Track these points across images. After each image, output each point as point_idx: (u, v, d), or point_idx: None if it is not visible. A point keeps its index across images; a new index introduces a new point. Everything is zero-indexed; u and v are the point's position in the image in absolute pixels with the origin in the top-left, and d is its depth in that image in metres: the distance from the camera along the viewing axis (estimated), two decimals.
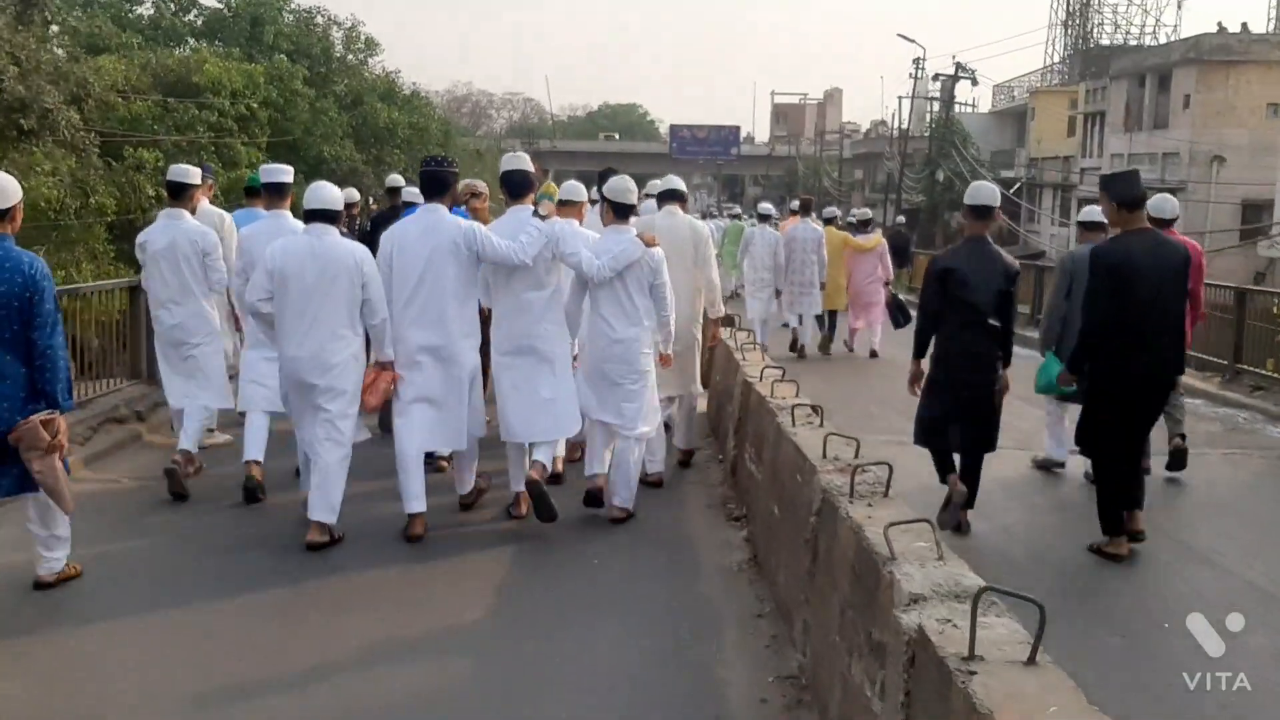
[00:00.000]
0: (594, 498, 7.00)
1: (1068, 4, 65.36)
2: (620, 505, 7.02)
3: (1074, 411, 7.34)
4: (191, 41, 34.27)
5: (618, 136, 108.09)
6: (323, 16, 35.38)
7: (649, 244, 6.86)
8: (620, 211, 7.06)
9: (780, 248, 14.68)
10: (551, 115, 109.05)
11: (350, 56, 35.75)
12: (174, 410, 8.07)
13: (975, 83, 42.47)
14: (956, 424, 6.85)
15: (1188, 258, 6.65)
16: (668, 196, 8.47)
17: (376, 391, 6.50)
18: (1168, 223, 7.98)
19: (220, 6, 35.58)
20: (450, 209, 6.78)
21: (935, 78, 42.20)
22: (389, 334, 6.48)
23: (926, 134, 68.72)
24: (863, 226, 16.49)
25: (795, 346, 15.20)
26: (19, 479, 5.39)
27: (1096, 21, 61.81)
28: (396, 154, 33.19)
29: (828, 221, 15.90)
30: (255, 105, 29.36)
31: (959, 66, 40.84)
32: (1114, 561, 6.61)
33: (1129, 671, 5.23)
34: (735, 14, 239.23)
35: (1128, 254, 6.34)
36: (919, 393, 7.12)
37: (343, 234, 6.69)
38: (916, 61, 41.54)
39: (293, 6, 35.74)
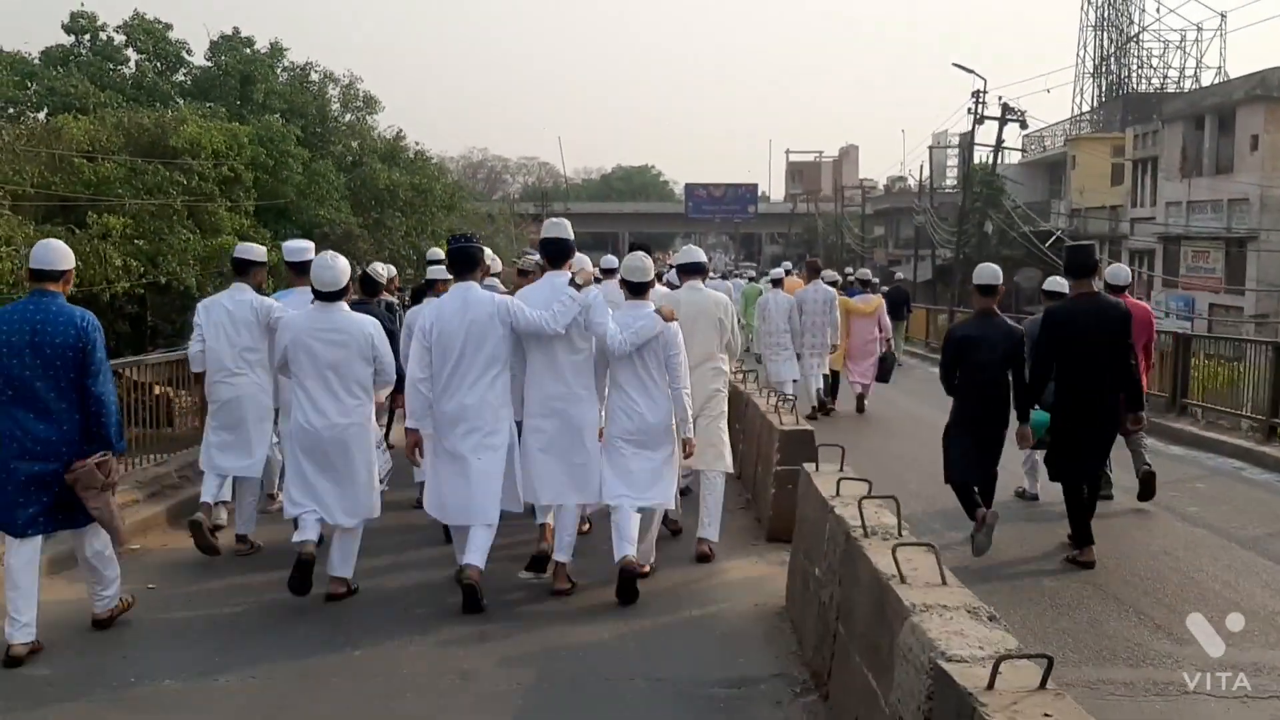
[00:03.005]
0: (628, 583, 6.80)
1: (1100, 50, 62.74)
2: (632, 556, 6.83)
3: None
4: (180, 102, 31.69)
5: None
6: (318, 73, 32.88)
7: (668, 318, 6.94)
8: (636, 290, 7.14)
9: (795, 311, 14.89)
10: (566, 178, 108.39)
11: (349, 115, 33.13)
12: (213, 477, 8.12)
13: (1025, 125, 39.05)
14: (973, 463, 7.91)
15: (1127, 317, 7.83)
16: (689, 270, 8.49)
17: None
18: (1121, 288, 9.49)
19: (210, 65, 33.12)
20: (481, 282, 7.03)
21: (980, 120, 38.83)
22: (412, 404, 6.77)
23: (954, 184, 66.57)
24: (863, 287, 16.89)
25: (822, 409, 15.33)
26: (76, 514, 5.87)
27: (1134, 66, 59.06)
28: (398, 217, 30.74)
29: (830, 284, 16.00)
30: (240, 167, 26.87)
31: (1006, 108, 37.54)
32: (1086, 568, 7.73)
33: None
34: (746, 74, 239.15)
35: (1073, 314, 7.73)
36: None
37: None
38: (976, 95, 38.30)
39: (286, 64, 33.22)
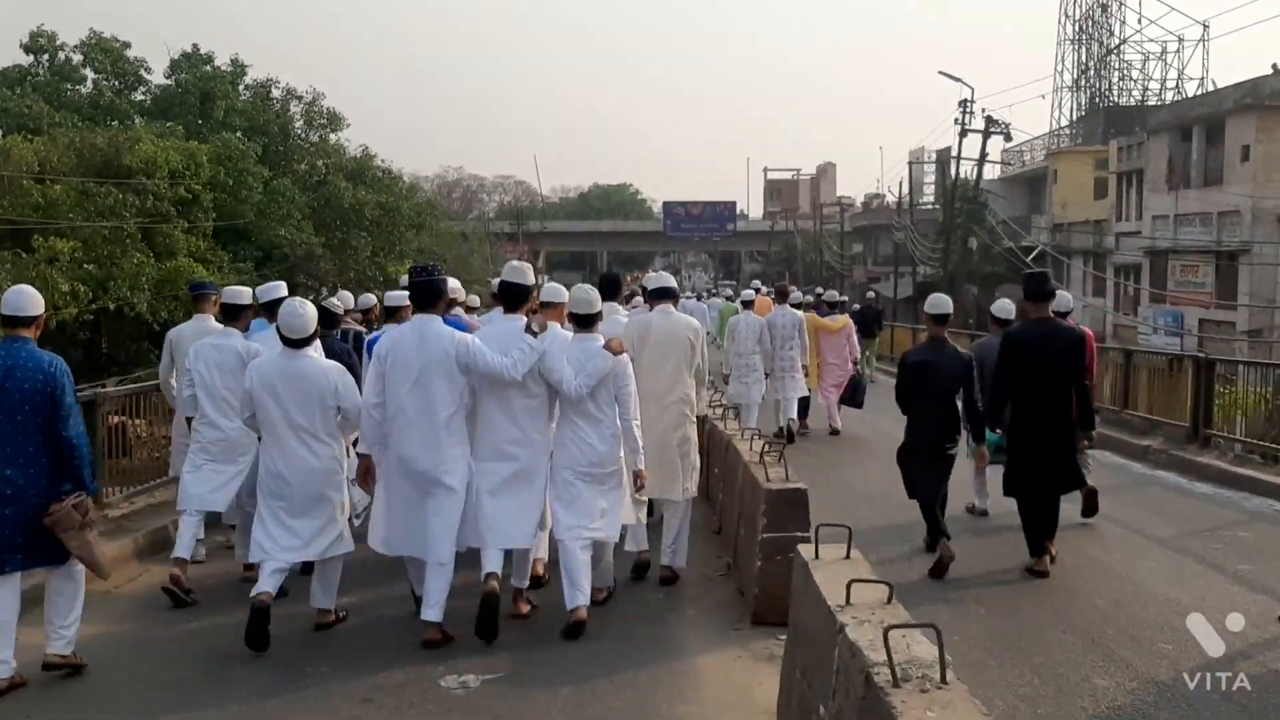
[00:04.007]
0: (575, 629, 6.65)
1: (1079, 63, 62.00)
2: (583, 603, 6.73)
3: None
4: (138, 121, 30.48)
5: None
6: (280, 90, 31.62)
7: (617, 351, 6.96)
8: (584, 323, 7.14)
9: (765, 333, 14.95)
10: (542, 197, 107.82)
11: (313, 133, 31.92)
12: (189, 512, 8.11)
13: (1009, 138, 38.13)
14: (928, 479, 8.41)
15: (1081, 340, 8.41)
16: (660, 295, 8.48)
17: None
18: (1064, 314, 9.62)
19: (169, 83, 31.88)
20: (443, 316, 6.96)
21: (964, 132, 37.80)
22: (367, 435, 6.76)
23: (932, 201, 65.75)
24: (830, 308, 17.21)
25: (789, 436, 14.95)
26: (52, 551, 6.00)
27: (1114, 79, 58.30)
28: (363, 237, 29.54)
29: (795, 306, 16.22)
30: (198, 187, 25.67)
31: (990, 121, 36.53)
32: (1040, 576, 8.07)
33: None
34: (724, 92, 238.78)
35: (1031, 338, 8.24)
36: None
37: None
38: (964, 104, 37.25)
39: (248, 81, 31.99)
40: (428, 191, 70.24)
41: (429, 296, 6.77)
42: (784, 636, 5.91)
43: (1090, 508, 9.67)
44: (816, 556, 4.79)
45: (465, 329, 7.86)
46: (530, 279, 7.17)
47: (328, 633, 6.88)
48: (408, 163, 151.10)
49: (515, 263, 7.40)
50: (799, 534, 6.43)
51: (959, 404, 8.46)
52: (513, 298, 7.12)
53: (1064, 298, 10.33)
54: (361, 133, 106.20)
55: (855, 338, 16.87)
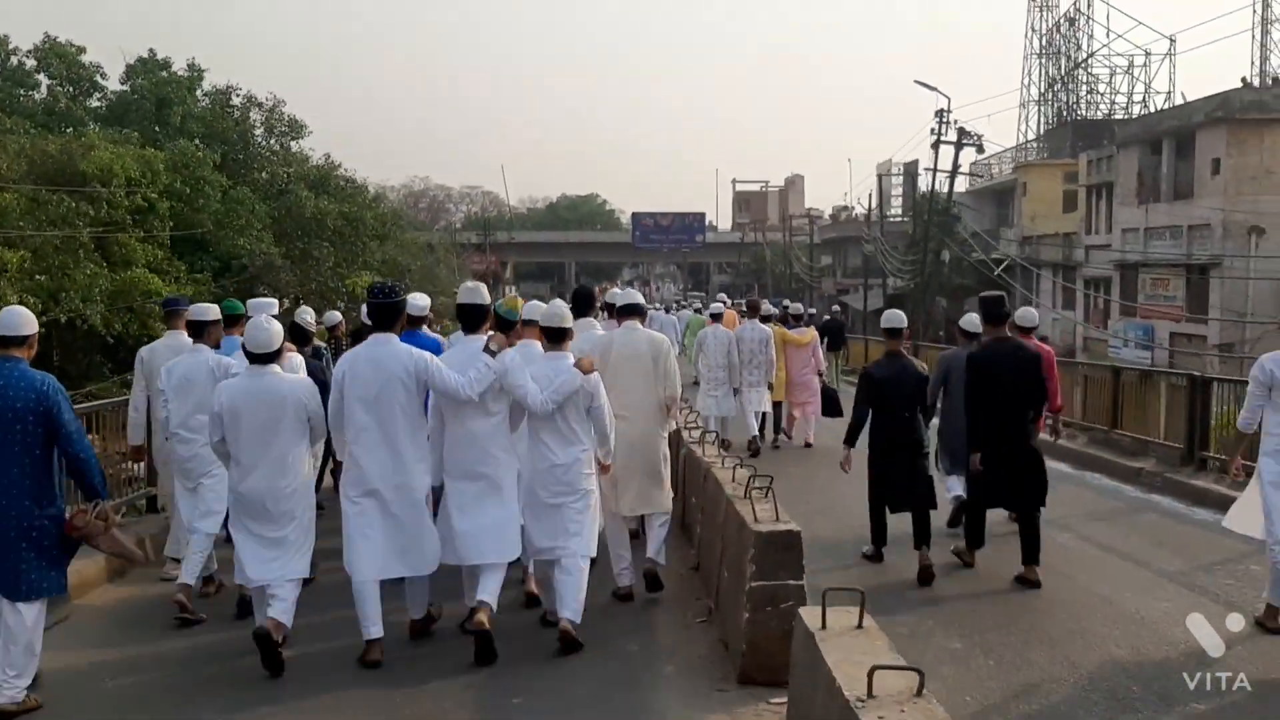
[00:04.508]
0: (567, 639, 6.77)
1: (1046, 76, 61.93)
2: (569, 618, 6.81)
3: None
4: (92, 127, 29.57)
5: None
6: (239, 96, 30.79)
7: (587, 370, 7.01)
8: (554, 337, 7.15)
9: (734, 346, 15.09)
10: (510, 207, 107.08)
11: (273, 141, 31.11)
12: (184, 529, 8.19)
13: (981, 150, 37.78)
14: (895, 490, 8.90)
15: (1039, 359, 8.90)
16: (627, 312, 8.49)
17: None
18: (1029, 330, 10.42)
19: (125, 89, 31.00)
20: (401, 335, 7.06)
21: (938, 144, 37.32)
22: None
23: (900, 213, 65.56)
24: (797, 320, 17.37)
25: (750, 448, 15.12)
26: (14, 584, 5.90)
27: (1082, 92, 58.18)
28: (325, 248, 28.79)
29: (764, 319, 16.33)
30: (154, 195, 24.90)
31: (962, 132, 36.11)
32: (967, 566, 8.85)
33: None
34: (693, 103, 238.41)
35: (992, 357, 8.65)
36: (847, 470, 9.19)
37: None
38: (940, 114, 36.81)
39: (206, 87, 31.14)
40: (393, 201, 69.61)
41: (386, 316, 6.83)
42: (775, 701, 5.43)
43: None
44: (823, 626, 4.10)
45: (437, 346, 7.95)
46: (485, 297, 7.23)
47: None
48: (373, 172, 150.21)
49: (470, 283, 7.48)
50: (791, 581, 6.00)
51: (918, 415, 8.97)
52: (470, 318, 7.19)
53: (1029, 314, 10.70)
54: (325, 141, 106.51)
55: (821, 351, 17.10)
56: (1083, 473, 13.84)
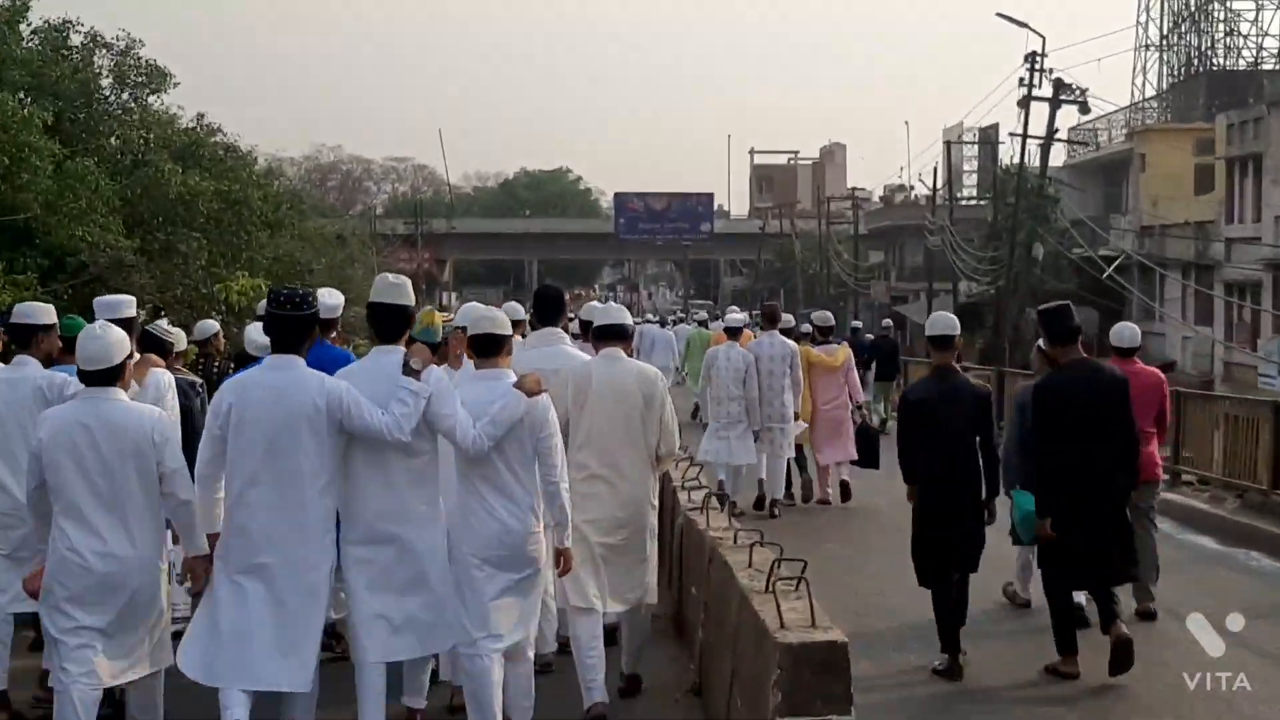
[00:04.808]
0: None
1: (1169, 12, 62.19)
2: None
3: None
4: None
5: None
6: (80, 34, 30.74)
7: (532, 391, 7.05)
8: (485, 347, 7.28)
9: (752, 371, 15.25)
10: (450, 187, 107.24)
11: (127, 95, 31.06)
12: None
13: (1086, 109, 37.76)
14: (939, 546, 9.14)
15: (1124, 383, 9.05)
16: (606, 335, 8.52)
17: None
18: (1129, 352, 10.88)
19: None
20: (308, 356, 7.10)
21: (1026, 101, 37.22)
22: (199, 520, 6.81)
23: (975, 194, 65.79)
24: (825, 335, 17.38)
25: (771, 508, 15.65)
26: None
27: (1217, 34, 58.55)
28: (196, 239, 28.73)
29: (785, 333, 16.62)
30: None
31: (1060, 85, 36.04)
32: (1069, 680, 8.88)
33: None
34: (695, 49, 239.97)
35: (1065, 385, 8.91)
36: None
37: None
38: (1031, 60, 36.70)
39: (35, 23, 31.08)
40: (291, 178, 69.65)
41: (293, 332, 6.87)
42: None
43: (1144, 610, 10.44)
44: None
45: (349, 361, 8.03)
46: (407, 295, 7.23)
47: None
48: (264, 138, 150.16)
49: (390, 277, 7.46)
50: (835, 717, 5.79)
51: (975, 446, 9.19)
52: (385, 323, 7.17)
53: (1126, 332, 11.15)
54: (197, 96, 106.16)
55: (856, 374, 17.46)
56: (1233, 550, 13.90)
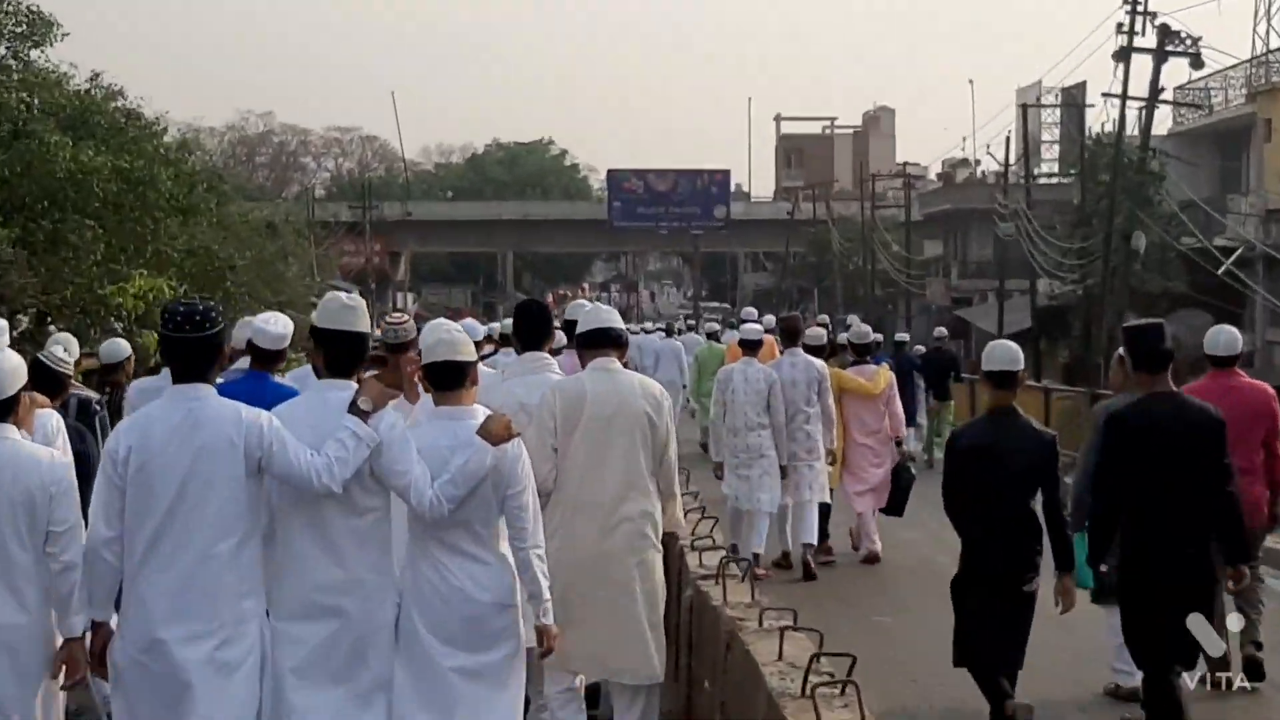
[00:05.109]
0: None
1: None
2: None
3: None
4: None
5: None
6: None
7: (499, 438, 7.09)
8: (446, 378, 7.35)
9: (777, 391, 15.52)
10: (406, 163, 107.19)
11: (2, 47, 31.19)
12: None
13: (1198, 62, 37.53)
14: (982, 639, 9.23)
15: (1220, 427, 8.95)
16: (594, 341, 8.77)
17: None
18: (1228, 361, 11.09)
19: None
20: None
21: (1125, 53, 37.04)
22: (82, 593, 6.94)
23: (1064, 169, 65.53)
24: (861, 353, 17.77)
25: (804, 569, 15.92)
26: None
27: None
28: (90, 228, 28.67)
29: (814, 351, 16.84)
30: None
31: (1166, 32, 35.81)
32: None
33: None
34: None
35: (1146, 421, 8.96)
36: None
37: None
38: (1133, 0, 36.48)
39: None
40: (210, 153, 69.52)
41: (197, 357, 6.90)
42: None
43: (1254, 672, 10.49)
44: None
45: (284, 394, 8.13)
46: (359, 321, 7.27)
47: None
48: (176, 103, 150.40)
49: (344, 298, 7.52)
50: None
51: (1038, 509, 9.32)
52: (336, 353, 7.26)
53: (1223, 337, 11.30)
54: (91, 51, 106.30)
55: (899, 403, 17.70)
56: None
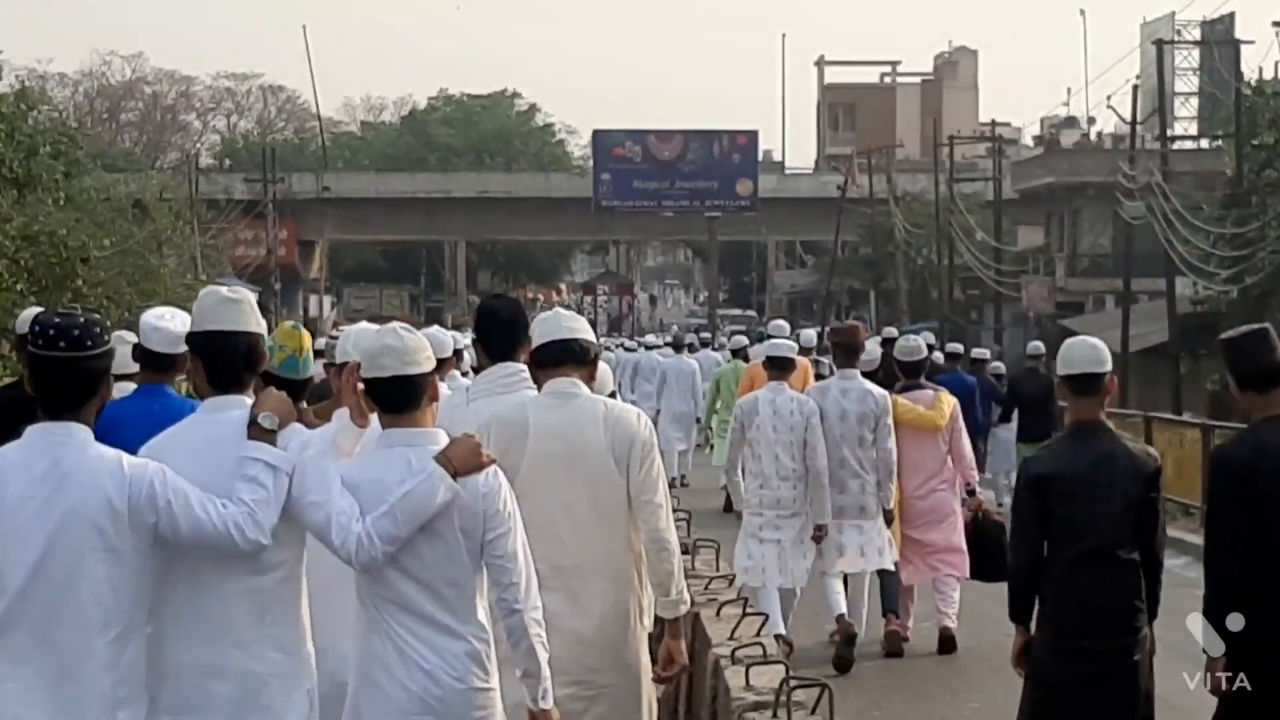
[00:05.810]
0: None
1: None
2: None
3: None
4: None
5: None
6: None
7: (465, 467, 7.18)
8: (396, 397, 7.42)
9: (816, 427, 16.07)
10: (321, 121, 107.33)
11: None
12: None
13: None
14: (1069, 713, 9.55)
15: None
16: (551, 357, 9.11)
17: None
18: None
19: None
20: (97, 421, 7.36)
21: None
22: None
23: (1205, 131, 65.52)
24: (912, 374, 18.04)
25: (838, 658, 16.27)
26: None
27: None
28: None
29: (870, 375, 17.30)
30: None
31: None
32: None
33: None
34: None
35: (1260, 454, 9.00)
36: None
37: None
38: None
39: None
40: (60, 106, 69.94)
41: (72, 385, 6.90)
42: None
43: None
44: None
45: (177, 412, 8.29)
46: (253, 320, 7.39)
47: None
48: (13, 43, 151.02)
49: (224, 292, 7.78)
50: None
51: (1136, 556, 9.44)
52: (218, 363, 7.35)
53: None
54: None
55: (966, 438, 18.10)
56: None
